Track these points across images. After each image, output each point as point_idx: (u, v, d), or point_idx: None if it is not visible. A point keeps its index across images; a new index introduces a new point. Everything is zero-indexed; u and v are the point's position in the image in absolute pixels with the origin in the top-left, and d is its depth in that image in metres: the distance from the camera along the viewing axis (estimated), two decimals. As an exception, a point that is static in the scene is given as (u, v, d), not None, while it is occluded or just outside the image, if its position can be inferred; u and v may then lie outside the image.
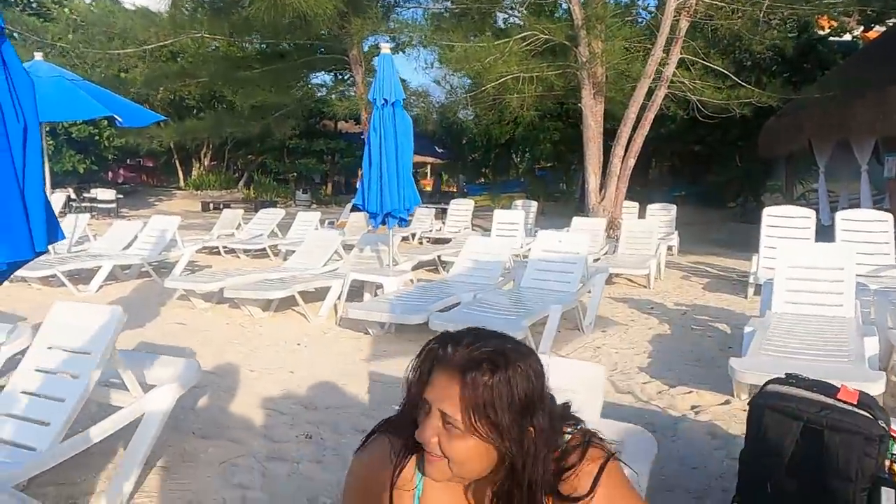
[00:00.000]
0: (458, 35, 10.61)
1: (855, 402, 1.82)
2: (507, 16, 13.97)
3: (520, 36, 10.86)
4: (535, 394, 1.09)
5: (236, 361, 4.63)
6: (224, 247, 10.79)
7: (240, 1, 10.41)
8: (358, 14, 11.23)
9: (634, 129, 11.06)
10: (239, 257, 10.57)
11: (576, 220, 9.88)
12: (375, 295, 6.22)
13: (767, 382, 2.00)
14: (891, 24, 14.16)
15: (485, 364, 1.06)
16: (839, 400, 1.83)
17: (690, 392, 4.01)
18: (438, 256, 9.02)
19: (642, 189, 18.91)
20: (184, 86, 15.81)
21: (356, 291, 6.59)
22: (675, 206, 12.28)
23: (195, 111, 22.25)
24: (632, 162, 11.23)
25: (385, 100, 6.07)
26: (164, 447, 3.10)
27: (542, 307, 4.93)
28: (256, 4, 9.35)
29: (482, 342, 1.11)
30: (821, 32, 17.16)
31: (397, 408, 1.25)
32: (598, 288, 5.86)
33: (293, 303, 6.16)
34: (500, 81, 10.80)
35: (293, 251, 9.05)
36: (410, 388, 1.15)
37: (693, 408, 3.77)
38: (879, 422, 1.77)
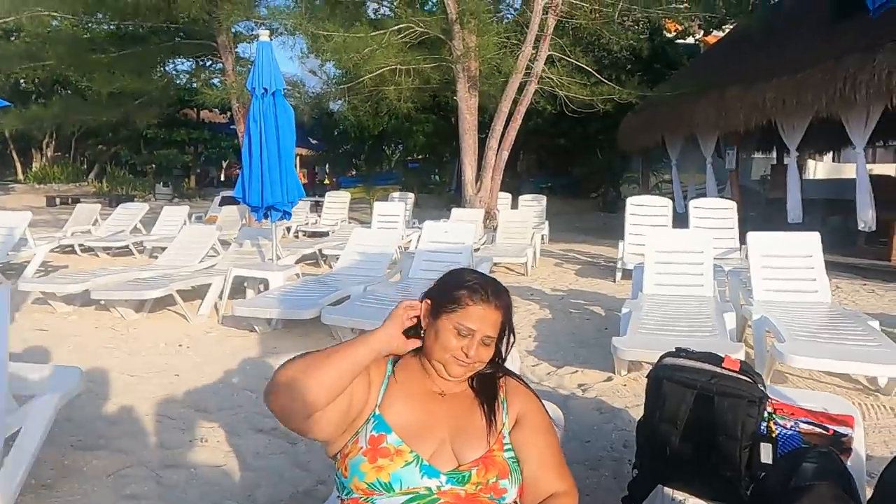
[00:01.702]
0: (332, 24, 10.43)
1: (737, 370, 2.04)
2: (377, 6, 13.98)
3: (396, 28, 10.87)
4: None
5: (113, 367, 4.31)
6: (80, 245, 9.95)
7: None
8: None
9: (507, 122, 11.47)
10: (98, 256, 9.78)
11: (455, 212, 10.09)
12: (259, 291, 6.02)
13: (663, 356, 2.19)
14: (727, 30, 15.66)
15: (508, 301, 1.57)
16: (725, 368, 2.04)
17: (576, 371, 4.27)
18: (320, 250, 8.87)
19: (512, 181, 19.63)
20: (25, 69, 14.25)
21: (237, 288, 6.33)
22: (544, 197, 12.90)
23: (35, 97, 20.14)
24: (505, 154, 11.64)
25: (265, 89, 5.87)
26: (38, 464, 2.83)
27: (433, 297, 5.01)
28: (119, -17, 8.60)
29: (500, 287, 1.58)
30: (669, 35, 18.63)
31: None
32: (482, 276, 6.04)
33: (169, 302, 5.82)
34: (378, 73, 10.77)
35: (160, 248, 8.56)
36: (440, 315, 1.52)
37: (580, 386, 4.01)
38: (759, 385, 1.99)
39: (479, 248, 8.84)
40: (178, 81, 18.32)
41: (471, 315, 1.50)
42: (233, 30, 13.27)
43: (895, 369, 3.32)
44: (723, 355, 2.11)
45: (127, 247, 9.81)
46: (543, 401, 2.27)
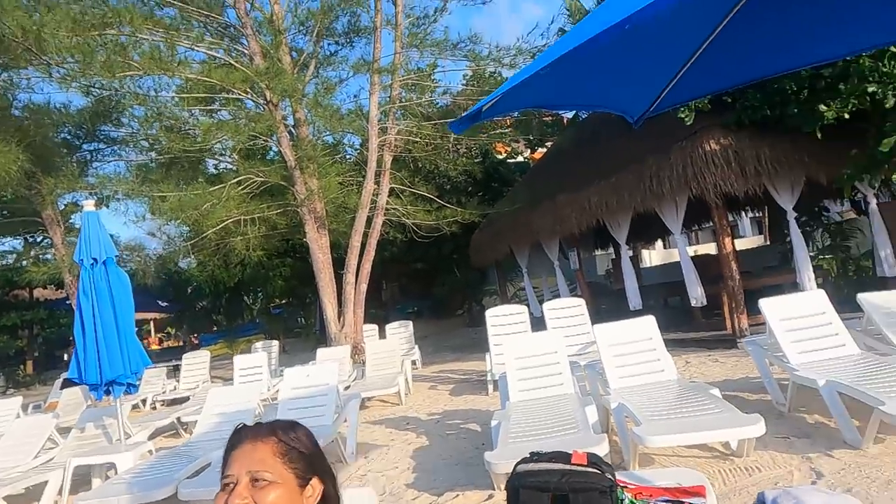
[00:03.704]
0: (168, 185, 10.32)
1: (586, 463, 2.09)
2: (217, 162, 14.08)
3: (235, 180, 10.94)
4: (317, 449, 1.43)
5: None
6: None
7: None
8: (49, 172, 10.30)
9: (361, 255, 11.66)
10: None
11: (320, 352, 9.86)
12: (107, 478, 5.40)
13: (517, 464, 2.20)
14: (549, 146, 17.35)
15: (279, 430, 1.39)
16: (574, 464, 2.09)
17: (457, 496, 4.15)
18: (178, 418, 8.22)
19: (378, 310, 19.72)
20: None
21: (82, 480, 5.65)
22: (410, 322, 13.01)
23: None
24: (364, 287, 11.73)
25: (94, 259, 5.59)
26: None
27: (301, 447, 4.75)
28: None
29: (258, 424, 1.43)
30: (499, 156, 20.30)
31: None
32: (353, 415, 5.86)
33: (-3, 513, 5.05)
34: (222, 226, 10.66)
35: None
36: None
37: (462, 510, 3.90)
38: (607, 475, 2.05)
39: (349, 386, 8.63)
40: (3, 262, 16.95)
41: (227, 462, 1.35)
42: (62, 201, 12.73)
43: (738, 432, 3.54)
44: (570, 451, 2.17)
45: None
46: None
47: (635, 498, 2.36)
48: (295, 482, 1.32)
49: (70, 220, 16.49)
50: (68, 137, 11.82)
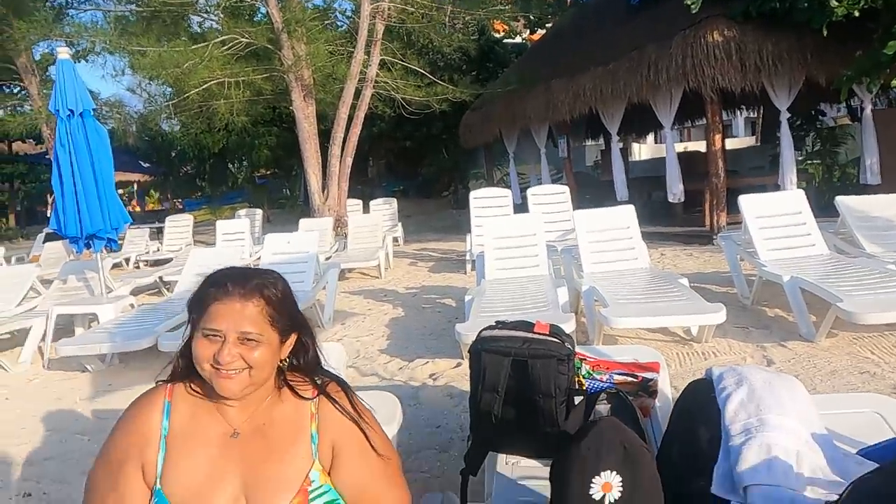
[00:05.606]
0: (149, 39, 9.83)
1: (547, 332, 2.18)
2: (202, 19, 13.39)
3: (219, 39, 10.46)
4: (294, 303, 1.45)
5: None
6: None
7: None
8: (21, 16, 9.73)
9: (348, 128, 11.45)
10: None
11: (303, 222, 9.92)
12: (90, 327, 5.56)
13: (481, 331, 2.29)
14: (549, 28, 16.69)
15: (265, 290, 1.36)
16: (536, 332, 2.17)
17: (427, 362, 4.35)
18: (160, 277, 8.36)
19: (364, 187, 19.65)
20: None
21: (64, 329, 5.81)
22: (395, 200, 13.04)
23: None
24: (349, 160, 11.61)
25: (71, 111, 5.43)
26: None
27: (279, 309, 4.89)
28: None
29: (252, 274, 1.40)
30: (497, 35, 19.52)
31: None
32: (332, 283, 6.00)
33: (-18, 354, 5.23)
34: (205, 87, 10.31)
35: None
36: (195, 326, 1.33)
37: (431, 375, 4.10)
38: (566, 344, 2.14)
39: (329, 257, 8.76)
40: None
41: (212, 315, 1.30)
42: (38, 50, 12.15)
43: (700, 318, 3.69)
44: (534, 321, 2.25)
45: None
46: (375, 391, 2.29)
47: (592, 369, 2.48)
48: (277, 339, 1.37)
49: (47, 73, 15.84)
50: (40, -21, 11.09)
